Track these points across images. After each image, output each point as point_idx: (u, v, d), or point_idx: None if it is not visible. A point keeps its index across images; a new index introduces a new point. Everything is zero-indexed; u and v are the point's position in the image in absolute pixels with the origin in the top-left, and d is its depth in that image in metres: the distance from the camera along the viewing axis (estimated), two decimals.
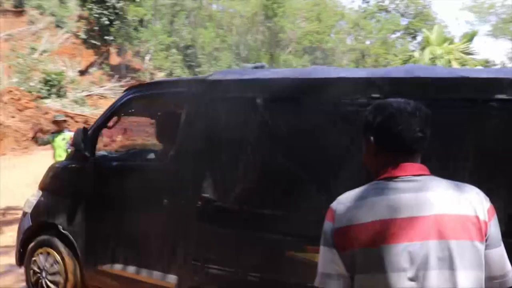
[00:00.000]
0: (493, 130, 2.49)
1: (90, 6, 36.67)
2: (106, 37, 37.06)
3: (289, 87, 3.05)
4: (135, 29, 36.92)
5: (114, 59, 38.55)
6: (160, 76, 35.42)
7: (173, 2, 39.23)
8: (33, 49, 34.26)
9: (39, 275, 4.13)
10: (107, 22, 36.26)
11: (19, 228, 4.49)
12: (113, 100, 4.65)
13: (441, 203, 1.35)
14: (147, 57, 36.32)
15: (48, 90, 23.73)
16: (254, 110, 3.06)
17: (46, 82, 23.82)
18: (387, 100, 1.51)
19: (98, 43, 38.31)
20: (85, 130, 3.93)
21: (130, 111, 4.39)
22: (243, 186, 3.12)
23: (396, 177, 1.40)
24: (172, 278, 3.38)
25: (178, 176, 3.43)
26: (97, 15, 36.42)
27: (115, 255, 3.76)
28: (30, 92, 22.49)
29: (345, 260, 1.36)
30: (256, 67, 3.70)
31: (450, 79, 2.71)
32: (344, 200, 1.43)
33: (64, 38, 41.24)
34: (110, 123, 4.18)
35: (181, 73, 35.46)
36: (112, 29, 36.27)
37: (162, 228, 3.49)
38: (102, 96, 27.28)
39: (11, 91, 21.51)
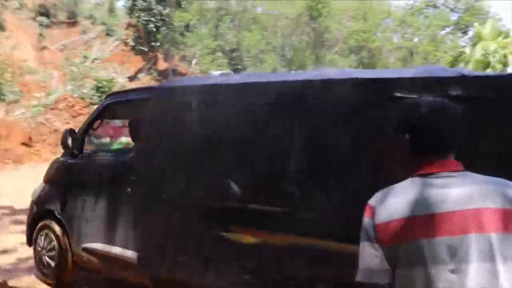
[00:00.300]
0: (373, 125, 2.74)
1: (137, 14, 37.75)
2: (153, 43, 38.11)
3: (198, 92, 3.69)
4: (181, 34, 37.62)
5: (162, 65, 39.43)
6: None
7: (218, 6, 39.73)
8: (85, 57, 35.60)
9: (41, 253, 4.85)
10: (154, 29, 37.25)
11: (28, 214, 5.18)
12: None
13: (479, 197, 1.37)
14: (194, 61, 36.89)
15: (100, 96, 24.51)
16: (179, 111, 3.65)
17: (97, 88, 24.64)
18: (421, 99, 1.55)
19: (146, 49, 39.41)
20: (72, 131, 4.67)
21: (109, 115, 5.02)
22: (181, 180, 3.62)
23: (433, 173, 1.43)
24: (134, 254, 3.89)
25: (137, 171, 3.95)
26: (144, 22, 37.44)
27: (92, 235, 4.36)
28: (83, 98, 23.36)
29: (387, 255, 1.40)
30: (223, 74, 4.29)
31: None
32: (383, 196, 1.46)
33: (114, 45, 42.59)
34: (95, 126, 4.83)
35: None
36: (159, 35, 37.17)
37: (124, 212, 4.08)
38: None
39: (66, 98, 22.43)
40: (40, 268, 4.89)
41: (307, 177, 2.98)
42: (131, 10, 38.76)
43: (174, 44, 37.33)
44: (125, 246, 3.98)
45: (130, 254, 3.90)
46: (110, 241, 4.15)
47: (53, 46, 40.97)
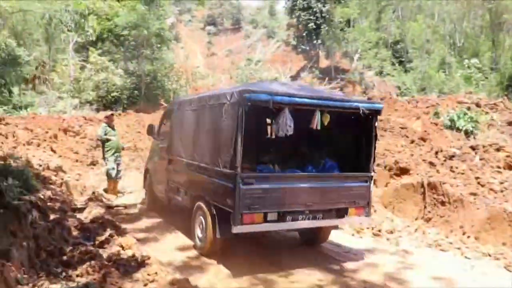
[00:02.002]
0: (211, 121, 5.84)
1: (297, 14, 38.20)
2: (314, 42, 38.21)
3: (193, 101, 6.72)
4: (342, 30, 36.95)
5: (323, 62, 39.32)
6: (368, 75, 34.74)
7: None
8: (249, 60, 37.19)
9: (145, 192, 9.17)
10: (314, 27, 37.30)
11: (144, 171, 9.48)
12: None
13: None
14: (356, 57, 35.88)
15: None
16: (188, 114, 6.75)
17: None
18: None
19: (307, 48, 39.72)
20: (152, 125, 8.67)
21: (168, 116, 7.98)
22: (183, 150, 6.77)
23: None
24: (163, 188, 7.56)
25: (164, 145, 7.63)
26: (304, 21, 37.73)
27: (156, 181, 8.21)
28: None
29: None
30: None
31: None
32: None
33: (275, 47, 43.90)
34: (164, 122, 8.19)
35: (391, 70, 34.09)
36: (319, 33, 37.16)
37: (163, 166, 7.61)
38: None
39: None
40: (147, 200, 9.01)
41: (204, 146, 5.99)
42: (291, 10, 39.38)
43: (335, 40, 36.79)
44: (161, 184, 7.72)
45: (162, 189, 7.60)
46: (159, 183, 7.88)
47: (220, 52, 43.70)
